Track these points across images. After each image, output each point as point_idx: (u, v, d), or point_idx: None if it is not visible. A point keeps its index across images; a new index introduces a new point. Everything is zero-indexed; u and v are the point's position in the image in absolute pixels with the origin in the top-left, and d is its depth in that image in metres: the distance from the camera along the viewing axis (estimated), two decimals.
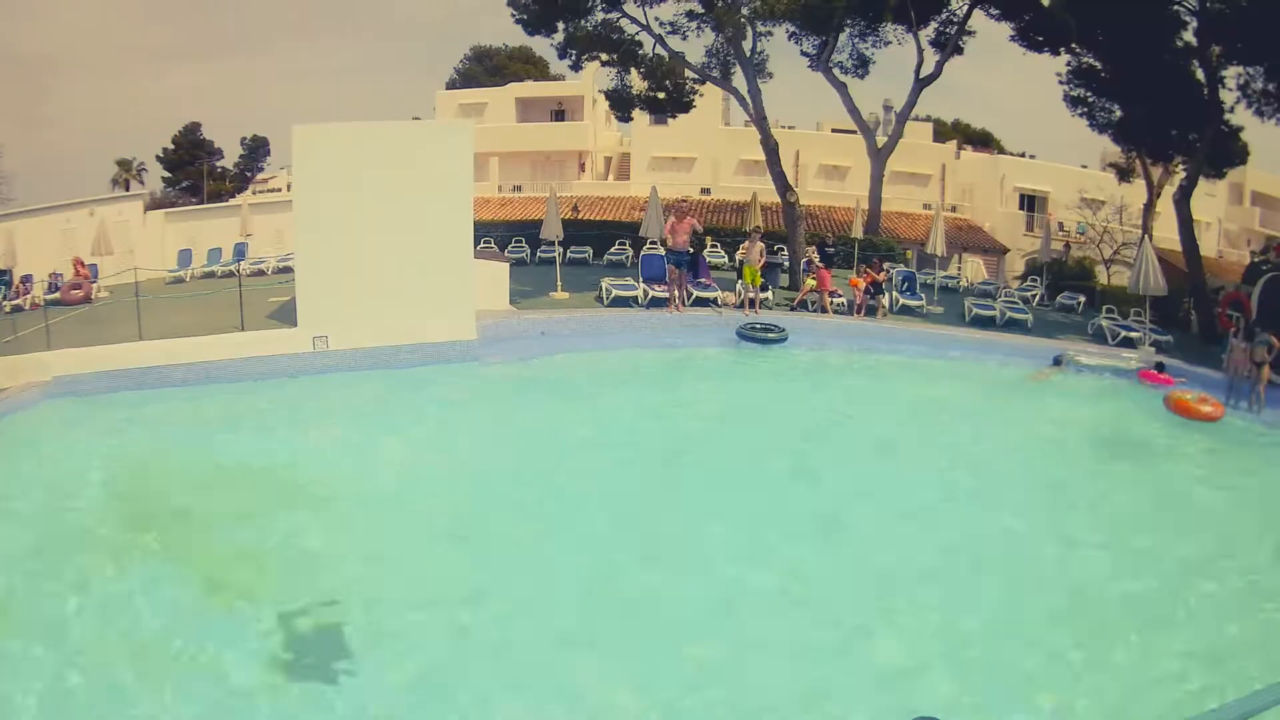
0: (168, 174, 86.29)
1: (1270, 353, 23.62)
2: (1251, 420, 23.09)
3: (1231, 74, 35.28)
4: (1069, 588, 12.80)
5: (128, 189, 72.54)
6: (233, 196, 68.76)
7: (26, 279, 34.40)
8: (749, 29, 39.76)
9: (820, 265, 33.25)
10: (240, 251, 42.79)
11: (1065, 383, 25.94)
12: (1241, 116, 37.21)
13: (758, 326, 27.80)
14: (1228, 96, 35.67)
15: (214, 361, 21.87)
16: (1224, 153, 40.41)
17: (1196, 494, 17.64)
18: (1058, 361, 27.09)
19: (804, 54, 45.10)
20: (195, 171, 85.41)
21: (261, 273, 39.77)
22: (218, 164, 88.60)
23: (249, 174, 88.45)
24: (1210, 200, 58.08)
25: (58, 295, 33.10)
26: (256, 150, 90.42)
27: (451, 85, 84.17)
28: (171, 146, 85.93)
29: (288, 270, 30.21)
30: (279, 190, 66.05)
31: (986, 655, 10.79)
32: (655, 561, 13.10)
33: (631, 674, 10.24)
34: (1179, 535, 15.15)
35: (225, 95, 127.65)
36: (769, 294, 31.42)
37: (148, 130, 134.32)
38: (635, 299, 30.79)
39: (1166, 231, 45.30)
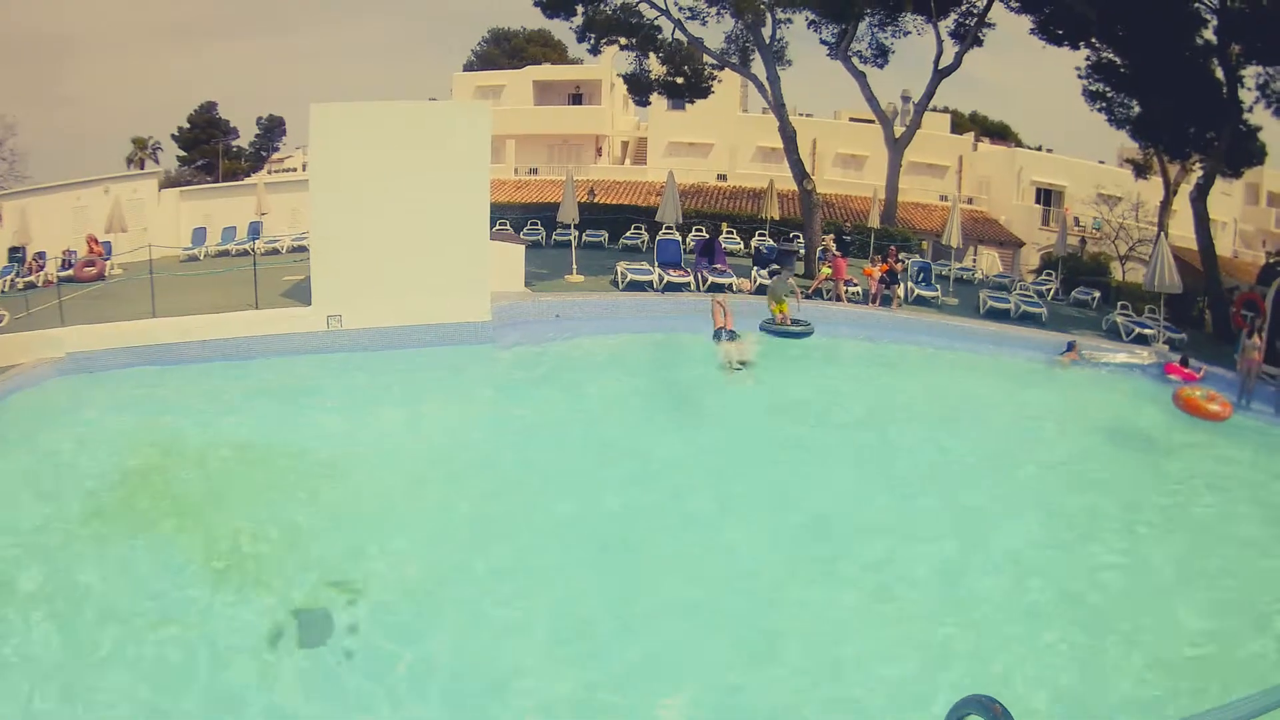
0: (183, 153, 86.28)
1: None
2: (1260, 419, 23.05)
3: (1251, 73, 35.23)
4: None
5: (143, 168, 72.53)
6: (248, 176, 68.78)
7: (40, 256, 34.41)
8: (768, 16, 39.75)
9: (836, 254, 33.13)
10: (255, 230, 42.74)
11: (1079, 375, 25.91)
12: (1260, 116, 37.13)
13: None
14: (1246, 96, 35.63)
15: (227, 339, 21.89)
16: (1242, 152, 40.26)
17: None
18: (1071, 347, 27.10)
19: (823, 42, 45.29)
20: (210, 150, 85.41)
21: (276, 251, 39.82)
22: (233, 143, 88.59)
23: (264, 153, 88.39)
24: (1226, 200, 57.90)
25: (71, 272, 33.09)
26: (272, 130, 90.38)
27: (469, 67, 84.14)
28: (187, 125, 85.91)
29: (302, 249, 30.24)
30: (294, 170, 66.08)
31: None
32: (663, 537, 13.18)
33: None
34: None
35: (241, 75, 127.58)
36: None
37: (163, 109, 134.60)
38: (650, 283, 30.77)
39: (1182, 230, 45.16)
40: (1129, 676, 10.46)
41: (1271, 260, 47.75)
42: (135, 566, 11.43)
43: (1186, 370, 25.66)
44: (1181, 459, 19.91)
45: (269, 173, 70.58)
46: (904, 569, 12.83)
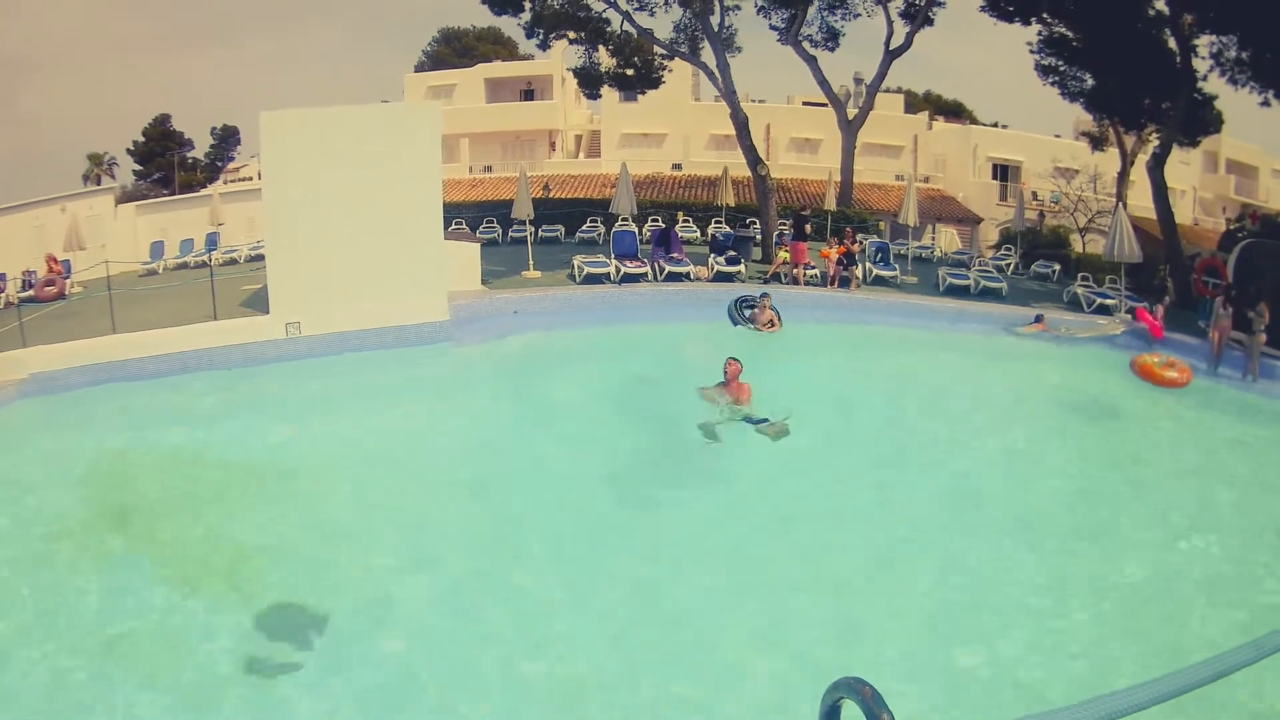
0: (139, 167, 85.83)
1: (1263, 320, 23.55)
2: (1225, 385, 23.20)
3: (1204, 42, 35.41)
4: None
5: (99, 184, 72.18)
6: (204, 187, 68.55)
7: (0, 278, 34.25)
8: (716, 3, 39.88)
9: (790, 240, 33.16)
10: (212, 241, 42.70)
11: (1041, 347, 26.02)
12: (1215, 85, 37.38)
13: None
14: (1200, 65, 35.80)
15: (188, 352, 21.70)
16: (1197, 121, 40.64)
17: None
18: (1039, 319, 27.22)
19: (773, 27, 45.39)
20: (166, 163, 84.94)
21: (234, 261, 39.71)
22: (188, 155, 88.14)
23: (220, 164, 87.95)
24: (1185, 168, 58.30)
25: (32, 293, 33.02)
26: (226, 140, 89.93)
27: (420, 68, 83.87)
28: (141, 139, 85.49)
29: (260, 258, 30.19)
30: (250, 179, 65.95)
31: None
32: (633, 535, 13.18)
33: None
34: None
35: (195, 87, 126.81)
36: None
37: (118, 124, 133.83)
38: (607, 276, 30.83)
39: (1141, 199, 45.45)
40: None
41: (1232, 227, 48.08)
42: (101, 586, 11.37)
43: (1152, 319, 25.95)
44: (1139, 425, 20.05)
45: (225, 183, 70.37)
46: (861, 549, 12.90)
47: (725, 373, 17.95)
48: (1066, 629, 10.75)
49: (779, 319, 25.18)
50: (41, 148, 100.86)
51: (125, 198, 57.80)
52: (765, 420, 16.89)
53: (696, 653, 10.31)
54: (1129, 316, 28.53)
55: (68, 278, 34.84)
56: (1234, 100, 38.15)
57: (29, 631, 10.35)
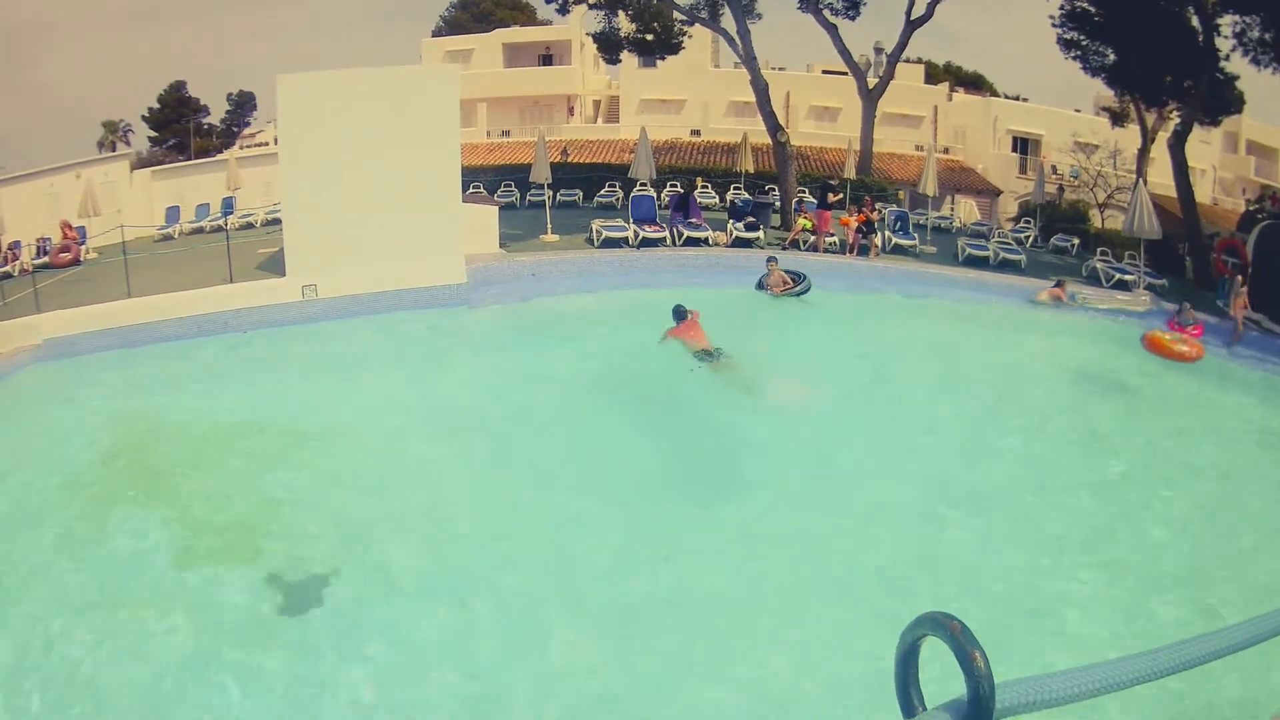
0: (154, 133, 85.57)
1: None
2: (1247, 364, 23.04)
3: (1227, 22, 35.18)
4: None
5: (114, 150, 72.08)
6: (220, 152, 68.47)
7: (15, 245, 34.29)
8: None
9: (815, 208, 33.14)
10: (228, 205, 42.71)
11: (1059, 318, 25.89)
12: (1237, 65, 37.21)
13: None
14: (1223, 44, 35.61)
15: (204, 315, 21.68)
16: (1219, 101, 40.47)
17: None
18: (1059, 284, 27.09)
19: None
20: (181, 129, 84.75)
21: (250, 225, 39.73)
22: (204, 121, 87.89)
23: (236, 130, 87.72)
24: (1205, 148, 57.89)
25: (46, 259, 33.12)
26: (243, 105, 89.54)
27: (438, 33, 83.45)
28: (157, 106, 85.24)
29: (276, 222, 30.14)
30: (266, 144, 65.88)
31: None
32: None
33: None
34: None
35: (211, 52, 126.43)
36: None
37: (133, 91, 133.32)
38: (625, 240, 30.96)
39: (1161, 177, 45.24)
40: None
41: (1252, 208, 47.93)
42: (115, 550, 11.31)
43: (1179, 326, 25.53)
44: (1148, 400, 19.96)
45: (241, 148, 70.27)
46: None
47: (683, 317, 18.52)
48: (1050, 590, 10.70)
49: (794, 280, 24.93)
50: (56, 115, 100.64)
51: (140, 164, 57.76)
52: (717, 352, 17.12)
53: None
54: (1147, 294, 28.40)
55: (83, 243, 34.94)
56: (1256, 81, 38.04)
57: (39, 593, 10.30)
